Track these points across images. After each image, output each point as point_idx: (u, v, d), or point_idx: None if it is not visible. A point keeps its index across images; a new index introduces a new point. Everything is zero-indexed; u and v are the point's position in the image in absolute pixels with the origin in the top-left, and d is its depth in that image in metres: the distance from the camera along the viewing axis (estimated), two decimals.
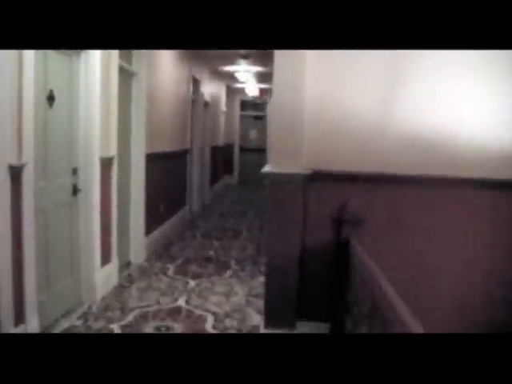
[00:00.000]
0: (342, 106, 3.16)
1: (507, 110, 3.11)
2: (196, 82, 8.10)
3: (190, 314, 3.72)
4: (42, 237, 3.14)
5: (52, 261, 3.31)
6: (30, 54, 2.75)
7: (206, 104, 9.34)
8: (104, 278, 3.98)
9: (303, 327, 3.26)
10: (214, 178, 10.91)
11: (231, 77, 10.64)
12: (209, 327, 3.47)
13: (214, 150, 10.67)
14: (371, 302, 2.20)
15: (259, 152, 13.69)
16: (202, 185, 9.06)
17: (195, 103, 8.19)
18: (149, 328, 3.41)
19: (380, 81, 3.15)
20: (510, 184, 3.13)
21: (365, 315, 2.34)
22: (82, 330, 3.29)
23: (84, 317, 3.53)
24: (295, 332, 3.25)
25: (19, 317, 2.80)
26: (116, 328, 3.37)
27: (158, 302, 3.94)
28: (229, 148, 13.32)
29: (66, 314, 3.49)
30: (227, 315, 3.71)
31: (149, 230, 5.30)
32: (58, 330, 3.26)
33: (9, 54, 2.58)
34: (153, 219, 5.45)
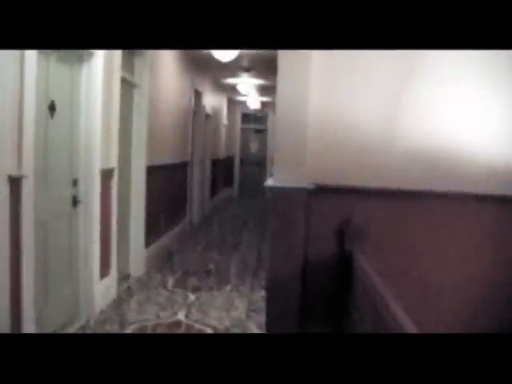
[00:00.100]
0: (345, 120, 3.14)
1: None
2: (198, 94, 8.10)
3: (189, 328, 3.67)
4: (41, 248, 3.09)
5: (50, 273, 3.26)
6: (31, 64, 2.74)
7: (208, 116, 9.34)
8: (103, 290, 3.93)
9: None
10: (215, 191, 10.88)
11: (233, 89, 10.66)
12: None
13: (215, 162, 10.66)
14: (375, 320, 2.16)
15: (259, 165, 13.72)
16: (202, 197, 9.03)
17: (196, 115, 8.18)
18: None
19: (383, 94, 3.13)
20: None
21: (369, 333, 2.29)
22: None
23: (82, 330, 3.47)
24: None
25: (16, 329, 2.75)
26: None
27: (158, 316, 3.88)
28: (229, 161, 13.31)
29: (64, 327, 3.43)
30: (227, 330, 3.66)
31: (149, 242, 5.26)
32: None
33: (10, 64, 2.57)
34: (153, 231, 5.41)
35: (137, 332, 3.51)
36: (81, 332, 3.43)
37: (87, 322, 3.63)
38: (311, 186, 3.03)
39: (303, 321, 3.22)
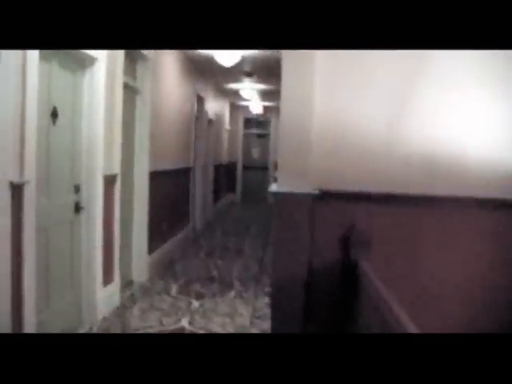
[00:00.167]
0: (348, 125, 3.12)
1: None
2: (200, 100, 8.09)
3: None
4: (43, 255, 3.07)
5: (52, 280, 3.23)
6: (34, 70, 2.72)
7: (210, 121, 9.33)
8: (106, 297, 3.90)
9: None
10: (217, 196, 10.86)
11: (235, 94, 10.66)
12: None
13: (217, 167, 10.64)
14: (381, 326, 2.12)
15: (262, 170, 13.70)
16: (205, 203, 9.00)
17: (199, 121, 8.17)
18: None
19: (386, 99, 3.11)
20: None
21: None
22: None
23: None
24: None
25: None
26: None
27: (161, 323, 3.85)
28: (232, 166, 13.30)
29: None
30: None
31: (152, 248, 5.23)
32: None
33: (13, 70, 2.55)
34: (156, 237, 5.38)
35: None
36: None
37: (90, 329, 3.60)
38: (316, 192, 3.00)
39: (308, 327, 3.19)
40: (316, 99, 3.07)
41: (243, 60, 6.27)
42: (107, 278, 3.95)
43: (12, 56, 2.53)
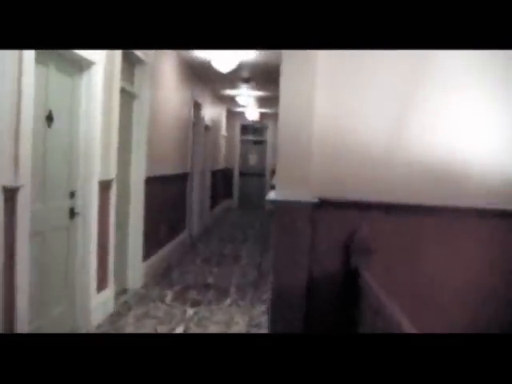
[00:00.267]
0: (349, 133, 3.09)
1: None
2: (197, 106, 8.07)
3: None
4: (37, 261, 3.01)
5: (46, 286, 3.18)
6: (29, 73, 2.68)
7: (207, 127, 9.31)
8: (100, 304, 3.84)
9: None
10: (215, 202, 10.82)
11: (232, 100, 10.65)
12: None
13: (215, 173, 10.62)
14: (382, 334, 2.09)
15: (259, 176, 13.69)
16: (201, 209, 8.96)
17: (196, 127, 8.14)
18: None
19: (387, 102, 3.09)
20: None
21: None
22: None
23: None
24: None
25: None
26: None
27: (156, 331, 3.79)
28: (229, 172, 13.27)
29: None
30: None
31: (147, 254, 5.17)
32: None
33: (9, 73, 2.51)
34: (151, 244, 5.32)
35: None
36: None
37: None
38: (315, 200, 2.96)
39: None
40: (316, 104, 3.04)
41: (240, 66, 6.25)
42: (101, 285, 3.90)
43: (8, 59, 2.50)
